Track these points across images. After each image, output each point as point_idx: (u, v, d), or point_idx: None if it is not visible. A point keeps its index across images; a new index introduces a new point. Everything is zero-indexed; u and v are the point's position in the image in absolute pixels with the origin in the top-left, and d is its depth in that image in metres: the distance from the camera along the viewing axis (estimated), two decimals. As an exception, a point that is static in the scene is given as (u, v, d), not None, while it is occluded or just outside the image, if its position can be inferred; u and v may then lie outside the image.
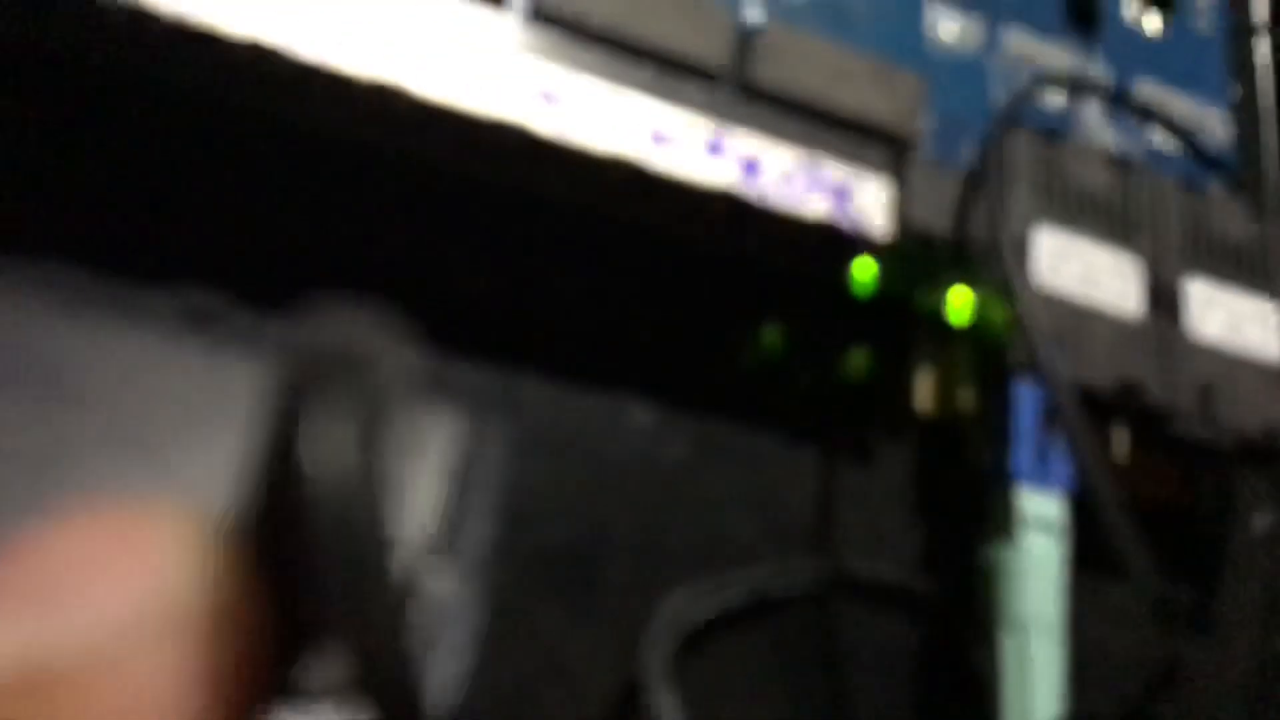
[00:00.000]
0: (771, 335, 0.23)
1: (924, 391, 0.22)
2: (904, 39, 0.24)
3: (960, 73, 0.24)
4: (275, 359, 0.08)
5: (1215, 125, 0.26)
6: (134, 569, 0.08)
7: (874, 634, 0.21)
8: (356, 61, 0.18)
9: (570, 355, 0.21)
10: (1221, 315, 0.22)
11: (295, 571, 0.08)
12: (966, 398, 0.22)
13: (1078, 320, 0.21)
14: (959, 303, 0.21)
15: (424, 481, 0.10)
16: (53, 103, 0.18)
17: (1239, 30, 0.28)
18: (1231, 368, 0.22)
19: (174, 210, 0.19)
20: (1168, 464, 0.23)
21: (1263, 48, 0.29)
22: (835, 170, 0.20)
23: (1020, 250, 0.21)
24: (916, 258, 0.21)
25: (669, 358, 0.22)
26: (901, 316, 0.22)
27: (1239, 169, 0.26)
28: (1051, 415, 0.20)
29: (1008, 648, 0.19)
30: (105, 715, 0.07)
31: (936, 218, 0.21)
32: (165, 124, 0.18)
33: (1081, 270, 0.22)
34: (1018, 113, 0.22)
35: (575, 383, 0.21)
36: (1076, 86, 0.24)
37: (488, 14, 0.19)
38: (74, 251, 0.17)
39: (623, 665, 0.19)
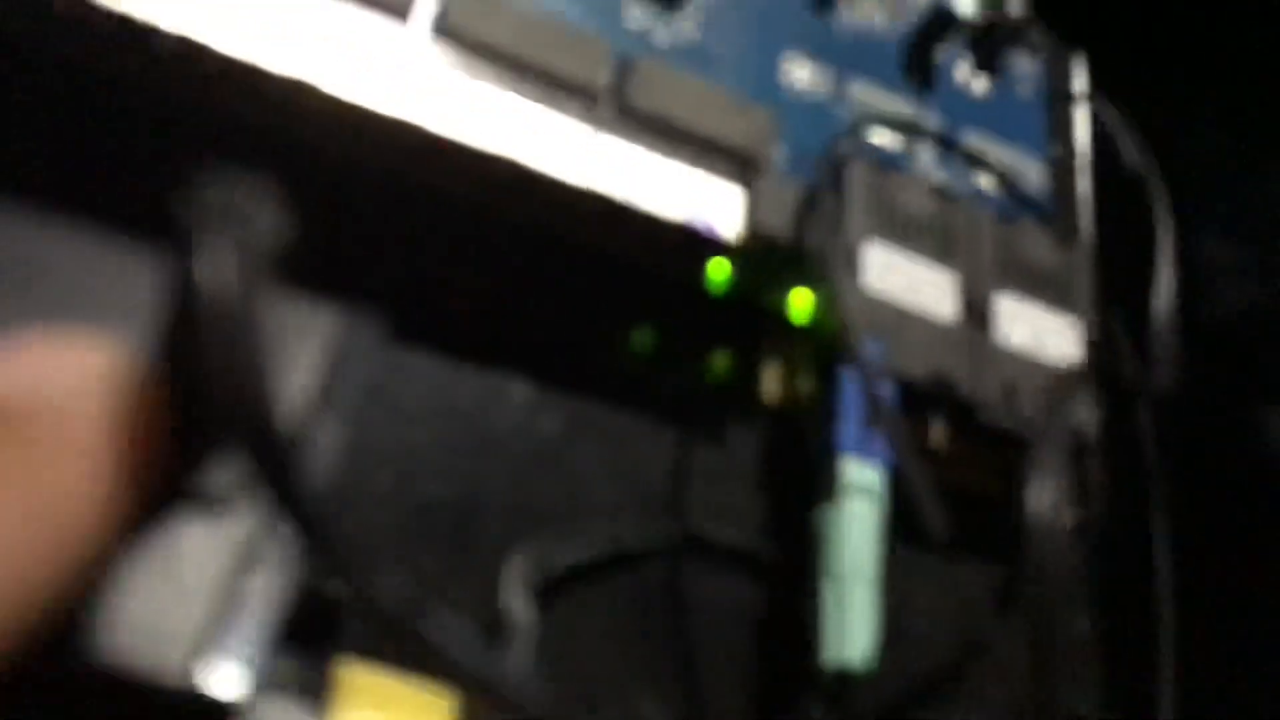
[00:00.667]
0: (643, 334, 0.26)
1: (770, 381, 0.26)
2: (761, 83, 0.27)
3: (809, 115, 0.28)
4: (174, 212, 0.10)
5: (1033, 176, 0.30)
6: (76, 358, 0.10)
7: (719, 591, 0.24)
8: (278, 61, 0.20)
9: (459, 335, 0.24)
10: (1026, 327, 0.26)
11: (193, 389, 0.10)
12: (806, 386, 0.25)
13: (899, 322, 0.24)
14: (800, 303, 0.25)
15: (304, 345, 0.12)
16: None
17: (1059, 95, 0.32)
18: (1033, 371, 0.25)
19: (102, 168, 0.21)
20: (988, 455, 0.26)
21: (1080, 112, 0.33)
22: (692, 180, 0.23)
23: (850, 260, 0.24)
24: (763, 261, 0.24)
25: (547, 343, 0.24)
26: (752, 315, 0.25)
27: (1052, 213, 0.30)
28: (869, 397, 0.23)
29: (828, 595, 0.22)
30: (53, 448, 0.10)
31: (780, 226, 0.24)
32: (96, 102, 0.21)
33: (905, 281, 0.25)
34: (857, 138, 0.25)
35: (462, 360, 0.24)
36: (910, 129, 0.28)
37: (396, 27, 0.22)
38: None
39: (492, 603, 0.22)
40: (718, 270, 0.24)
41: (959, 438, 0.25)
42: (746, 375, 0.26)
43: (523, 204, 0.23)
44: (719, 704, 0.23)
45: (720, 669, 0.24)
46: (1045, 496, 0.20)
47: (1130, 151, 0.30)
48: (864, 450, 0.23)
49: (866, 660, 0.21)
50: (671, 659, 0.23)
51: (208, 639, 0.10)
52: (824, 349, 0.24)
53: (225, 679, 0.10)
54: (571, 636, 0.22)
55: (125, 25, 0.20)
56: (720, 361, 0.26)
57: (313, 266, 0.17)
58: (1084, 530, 0.28)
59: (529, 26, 0.23)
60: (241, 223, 0.09)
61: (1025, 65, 0.31)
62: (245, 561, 0.10)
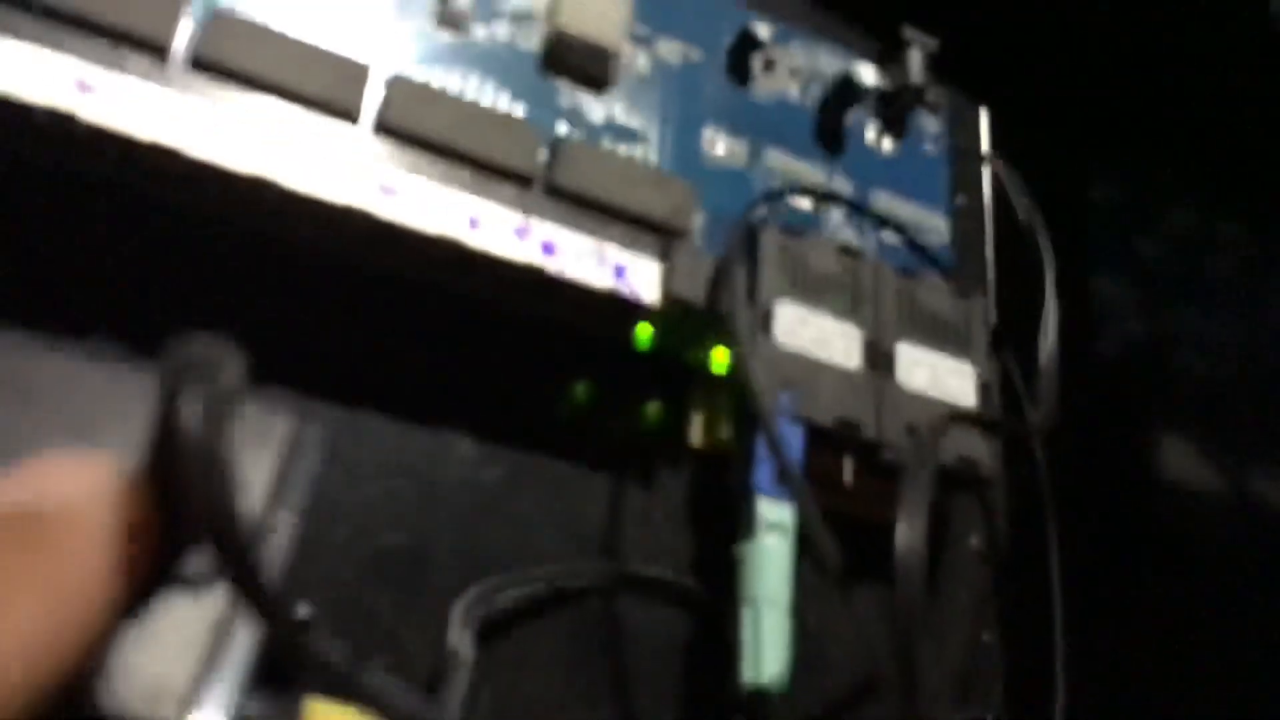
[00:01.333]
0: (580, 389, 0.28)
1: (696, 429, 0.28)
2: (683, 153, 0.30)
3: (728, 182, 0.30)
4: (158, 365, 0.12)
5: (938, 228, 0.33)
6: (83, 473, 0.13)
7: (651, 623, 0.26)
8: (238, 160, 0.23)
9: (408, 398, 0.26)
10: (926, 371, 0.29)
11: (176, 500, 0.12)
12: (727, 433, 0.28)
13: (809, 373, 0.27)
14: (719, 358, 0.27)
15: (263, 453, 0.15)
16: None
17: (966, 154, 0.35)
18: (933, 411, 0.28)
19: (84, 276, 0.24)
20: (893, 489, 0.29)
21: (985, 169, 0.36)
22: (616, 252, 0.26)
23: (763, 319, 0.27)
24: (682, 323, 0.27)
25: (490, 401, 0.27)
26: (677, 370, 0.28)
27: (955, 263, 0.33)
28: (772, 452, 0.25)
29: (746, 620, 0.24)
30: (69, 549, 0.12)
31: (696, 292, 0.26)
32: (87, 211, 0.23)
33: (814, 334, 0.28)
34: (764, 209, 0.28)
35: (412, 420, 0.26)
36: (818, 193, 0.31)
37: (344, 126, 0.24)
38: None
39: (443, 643, 0.24)
40: (643, 331, 0.27)
41: (865, 474, 0.27)
42: (673, 423, 0.28)
43: (465, 279, 0.25)
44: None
45: (652, 692, 0.26)
46: (910, 529, 0.22)
47: (1021, 203, 0.32)
48: (777, 491, 0.26)
49: (781, 680, 0.24)
50: (608, 685, 0.26)
51: (193, 692, 0.12)
52: (742, 400, 0.27)
53: (209, 722, 0.12)
54: (516, 669, 0.25)
55: (101, 135, 0.22)
56: (652, 411, 0.29)
57: (272, 348, 0.20)
58: (987, 553, 0.31)
59: (464, 117, 0.26)
60: (212, 375, 0.12)
61: (929, 125, 0.34)
62: (220, 628, 0.13)
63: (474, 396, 0.27)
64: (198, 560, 0.13)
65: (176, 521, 0.13)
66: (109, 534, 0.12)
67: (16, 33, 0.22)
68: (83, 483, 0.13)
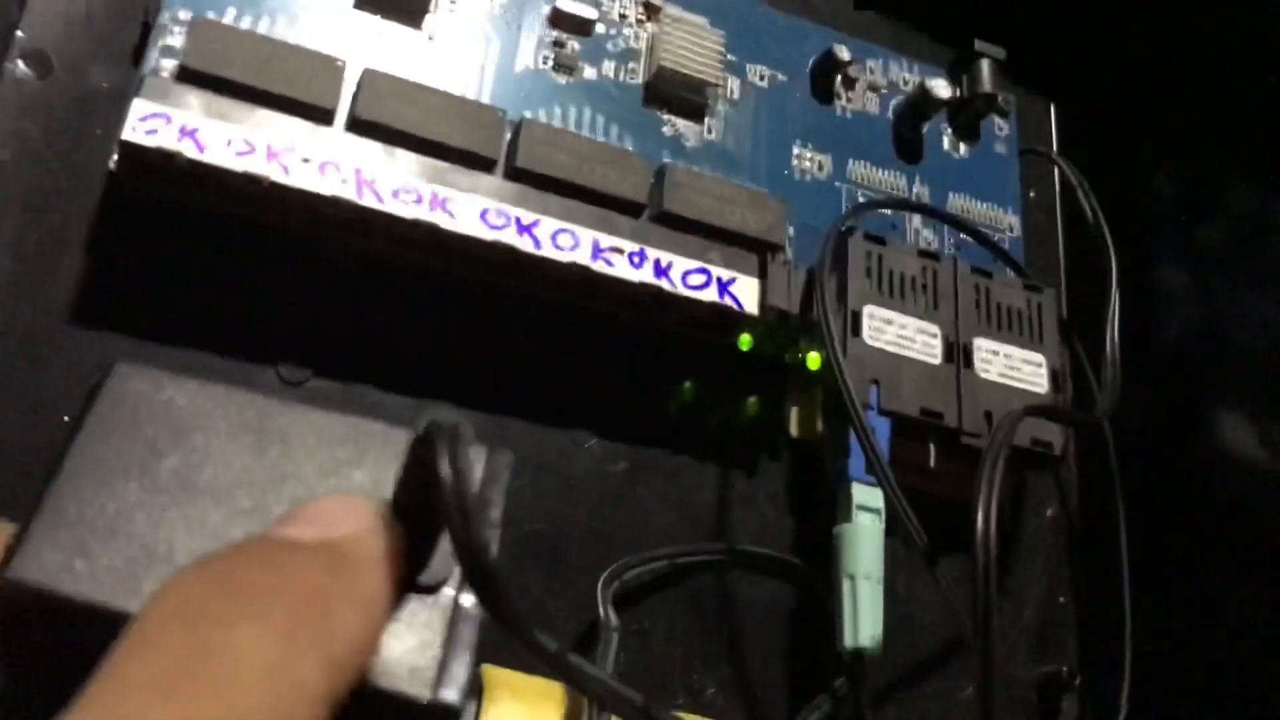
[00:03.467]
0: (688, 388, 0.32)
1: (794, 421, 0.32)
2: (775, 171, 0.33)
3: (817, 194, 0.33)
4: (414, 431, 0.16)
5: (1010, 224, 0.36)
6: (358, 511, 0.17)
7: (759, 595, 0.30)
8: (400, 206, 0.27)
9: (544, 405, 0.30)
10: (1001, 362, 0.32)
11: (424, 529, 0.16)
12: (822, 425, 0.31)
13: (894, 368, 0.30)
14: (813, 358, 0.31)
15: (492, 488, 0.19)
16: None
17: (1036, 153, 0.38)
18: (1008, 399, 0.31)
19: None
20: (971, 471, 0.32)
21: (1054, 170, 0.39)
22: (720, 270, 0.29)
23: (855, 321, 0.30)
24: (778, 328, 0.30)
25: (612, 404, 0.31)
26: (776, 368, 0.31)
27: (1027, 258, 0.36)
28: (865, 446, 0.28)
29: (845, 592, 0.28)
30: (364, 572, 0.16)
31: (789, 301, 0.30)
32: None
33: (898, 333, 0.31)
34: (846, 227, 0.31)
35: (548, 423, 0.30)
36: (898, 204, 0.34)
37: (481, 175, 0.28)
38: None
39: (584, 612, 0.28)
40: (745, 337, 0.30)
41: (948, 458, 0.31)
42: (774, 417, 0.32)
43: (592, 300, 0.29)
44: (764, 684, 0.29)
45: (761, 656, 0.30)
46: (985, 509, 0.25)
47: (1085, 198, 0.35)
48: (868, 477, 0.29)
49: (876, 644, 0.27)
50: (723, 650, 0.29)
51: (438, 671, 0.16)
52: (833, 395, 0.30)
53: (452, 693, 0.16)
54: (646, 636, 0.29)
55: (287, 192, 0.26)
56: (752, 405, 0.32)
57: (432, 367, 0.24)
58: (1062, 523, 0.34)
59: (586, 152, 0.29)
60: (457, 436, 0.15)
61: (1000, 128, 0.37)
62: (452, 623, 0.17)
63: (598, 401, 0.30)
64: (427, 573, 0.17)
65: (419, 545, 0.17)
66: (384, 558, 0.16)
67: (220, 114, 0.26)
68: (360, 518, 0.16)
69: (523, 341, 0.30)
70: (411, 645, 0.17)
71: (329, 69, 0.28)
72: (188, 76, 0.27)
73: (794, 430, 0.32)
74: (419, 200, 0.27)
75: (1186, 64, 0.38)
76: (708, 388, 0.32)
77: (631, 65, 0.32)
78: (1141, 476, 0.33)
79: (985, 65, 0.36)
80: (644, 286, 0.29)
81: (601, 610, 0.26)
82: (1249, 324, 0.34)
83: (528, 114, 0.30)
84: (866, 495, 0.29)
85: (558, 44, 0.32)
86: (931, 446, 0.31)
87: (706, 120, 0.33)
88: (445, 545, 0.17)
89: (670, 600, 0.29)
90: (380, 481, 0.18)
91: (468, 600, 0.17)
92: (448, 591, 0.17)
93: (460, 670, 0.17)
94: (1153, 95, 0.38)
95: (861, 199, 0.34)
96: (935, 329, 0.31)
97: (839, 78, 0.35)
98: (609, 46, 0.32)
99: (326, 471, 0.18)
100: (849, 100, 0.35)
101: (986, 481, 0.25)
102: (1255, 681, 0.30)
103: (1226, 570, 0.32)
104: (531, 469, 0.29)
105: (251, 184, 0.26)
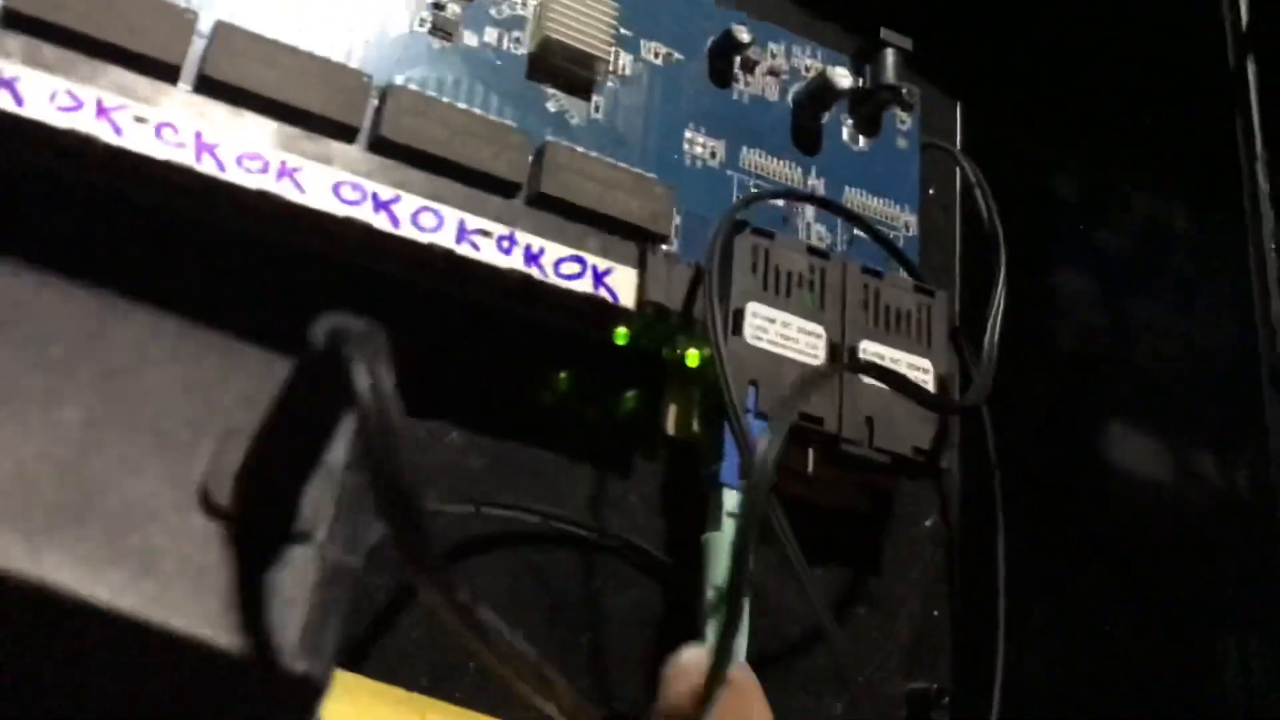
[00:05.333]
0: (563, 380, 0.30)
1: (670, 419, 0.30)
2: (664, 154, 0.31)
3: (707, 181, 0.32)
4: (315, 331, 0.14)
5: (906, 222, 0.35)
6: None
7: (630, 593, 0.29)
8: (243, 176, 0.25)
9: (404, 392, 0.28)
10: (887, 367, 0.31)
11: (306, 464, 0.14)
12: (698, 424, 0.30)
13: (774, 369, 0.29)
14: (692, 356, 0.29)
15: None
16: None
17: (937, 150, 0.37)
18: (891, 405, 0.30)
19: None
20: (854, 478, 0.31)
21: (956, 169, 0.38)
22: (596, 259, 0.27)
23: (737, 319, 0.29)
24: (656, 323, 0.28)
25: (478, 395, 0.29)
26: (654, 365, 0.30)
27: (921, 258, 0.34)
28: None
29: (711, 598, 0.27)
30: None
31: (669, 296, 0.28)
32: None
33: (781, 333, 0.29)
34: (734, 220, 0.30)
35: (405, 412, 0.28)
36: (789, 195, 0.32)
37: (340, 144, 0.26)
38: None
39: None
40: (621, 331, 0.29)
41: (826, 465, 0.29)
42: (650, 415, 0.30)
43: (457, 285, 0.27)
44: (620, 685, 0.28)
45: (624, 658, 0.28)
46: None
47: (981, 199, 0.34)
48: (741, 484, 0.28)
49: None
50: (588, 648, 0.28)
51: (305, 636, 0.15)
52: (711, 395, 0.29)
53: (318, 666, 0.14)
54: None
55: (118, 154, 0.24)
56: (629, 400, 0.31)
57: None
58: (939, 535, 0.33)
59: (459, 125, 0.27)
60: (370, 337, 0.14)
61: (903, 123, 0.36)
62: (319, 577, 0.15)
63: (461, 392, 0.29)
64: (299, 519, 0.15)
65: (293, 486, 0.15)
66: None
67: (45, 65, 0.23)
68: None
69: (380, 325, 0.28)
70: (274, 605, 0.15)
71: (177, 20, 0.26)
72: (12, 21, 0.24)
73: (671, 429, 0.30)
74: (265, 169, 0.25)
75: (1094, 68, 0.38)
76: (583, 381, 0.30)
77: (517, 34, 0.30)
78: (1027, 485, 0.32)
79: (890, 55, 0.35)
80: (512, 274, 0.27)
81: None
82: (1145, 333, 0.33)
83: (399, 80, 0.28)
84: (738, 502, 0.27)
85: (437, 6, 0.30)
86: (810, 452, 0.30)
87: (594, 97, 0.31)
88: (318, 489, 0.15)
89: (531, 608, 0.28)
90: (249, 402, 0.16)
91: (343, 555, 0.15)
92: (318, 542, 0.15)
93: (329, 638, 0.15)
94: (1059, 98, 0.37)
95: (754, 189, 0.32)
96: (820, 330, 0.30)
97: (738, 60, 0.34)
98: (493, 12, 0.30)
99: (186, 389, 0.16)
100: (747, 84, 0.34)
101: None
102: (1125, 700, 0.29)
103: (1107, 586, 0.32)
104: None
105: (82, 144, 0.24)
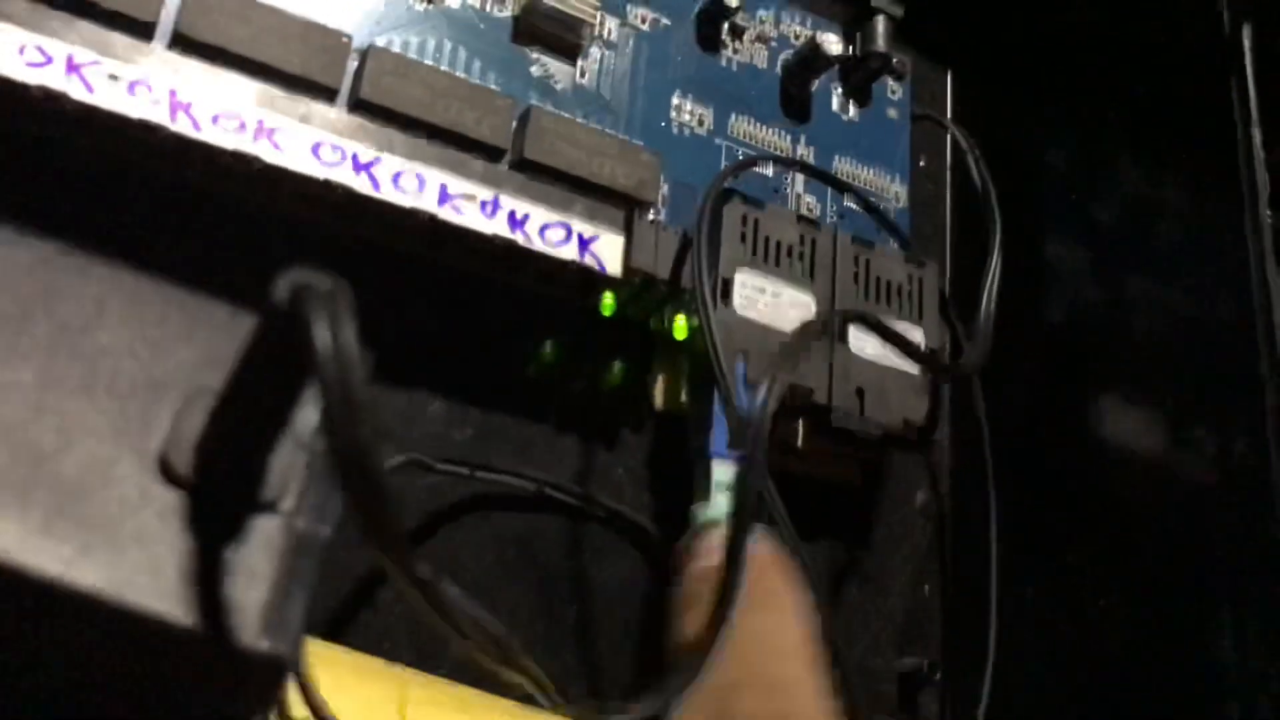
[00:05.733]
0: (549, 350, 0.29)
1: (658, 391, 0.30)
2: (651, 121, 0.31)
3: (695, 149, 0.31)
4: (277, 286, 0.13)
5: (896, 192, 0.34)
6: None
7: (618, 565, 0.28)
8: (219, 135, 0.24)
9: (381, 361, 0.27)
10: (877, 337, 0.30)
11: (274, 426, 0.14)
12: (686, 395, 0.29)
13: (763, 339, 0.28)
14: (679, 326, 0.29)
15: None
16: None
17: (929, 120, 0.36)
18: (882, 377, 0.30)
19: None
20: (845, 451, 0.30)
21: (947, 139, 0.37)
22: (581, 226, 0.27)
23: (725, 288, 0.28)
24: (643, 291, 0.28)
25: (463, 364, 0.28)
26: (642, 337, 0.29)
27: (911, 228, 0.34)
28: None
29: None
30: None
31: (655, 263, 0.28)
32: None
33: (770, 302, 0.29)
34: (723, 186, 0.29)
35: (385, 382, 0.27)
36: (778, 160, 0.32)
37: (320, 105, 0.25)
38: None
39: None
40: (607, 299, 0.28)
41: (816, 436, 0.29)
42: (638, 386, 0.30)
43: (440, 250, 0.26)
44: (607, 657, 0.27)
45: (611, 630, 0.28)
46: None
47: (975, 167, 0.34)
48: (730, 455, 0.27)
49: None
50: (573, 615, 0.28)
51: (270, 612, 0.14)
52: (699, 366, 0.28)
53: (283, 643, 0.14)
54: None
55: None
56: (616, 372, 0.30)
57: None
58: (930, 511, 0.33)
59: (442, 87, 0.27)
60: (333, 293, 0.13)
61: (894, 92, 0.35)
62: (285, 548, 0.14)
63: (445, 360, 0.28)
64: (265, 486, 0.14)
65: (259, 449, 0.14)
66: None
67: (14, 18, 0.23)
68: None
69: (361, 291, 0.27)
70: (236, 579, 0.14)
71: (151, -25, 0.25)
72: (-22, -28, 0.23)
73: (658, 401, 0.30)
74: (241, 128, 0.24)
75: (1087, 39, 0.37)
76: (569, 351, 0.29)
77: (501, -3, 0.30)
78: (1018, 459, 0.32)
79: (881, 23, 0.34)
80: (496, 239, 0.26)
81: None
82: (1138, 306, 0.33)
83: (380, 41, 0.27)
84: (726, 474, 0.27)
85: (419, -32, 0.29)
86: (800, 424, 0.29)
87: (580, 62, 0.30)
88: (285, 455, 0.15)
89: (517, 574, 0.27)
90: (213, 362, 0.15)
91: (311, 526, 0.14)
92: (284, 512, 0.14)
93: (295, 614, 0.14)
94: (1052, 69, 0.37)
95: (743, 157, 0.32)
96: (810, 300, 0.30)
97: (726, 25, 0.33)
98: (477, -26, 0.30)
99: (146, 349, 0.15)
100: (735, 51, 0.33)
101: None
102: (1118, 678, 0.29)
103: (1098, 562, 0.31)
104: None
105: (52, 101, 0.23)
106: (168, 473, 0.14)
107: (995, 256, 0.32)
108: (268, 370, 0.14)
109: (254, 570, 0.14)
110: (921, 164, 0.36)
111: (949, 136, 0.37)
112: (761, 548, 0.23)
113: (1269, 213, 0.27)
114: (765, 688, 0.22)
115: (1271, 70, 0.29)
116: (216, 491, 0.14)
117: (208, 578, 0.14)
